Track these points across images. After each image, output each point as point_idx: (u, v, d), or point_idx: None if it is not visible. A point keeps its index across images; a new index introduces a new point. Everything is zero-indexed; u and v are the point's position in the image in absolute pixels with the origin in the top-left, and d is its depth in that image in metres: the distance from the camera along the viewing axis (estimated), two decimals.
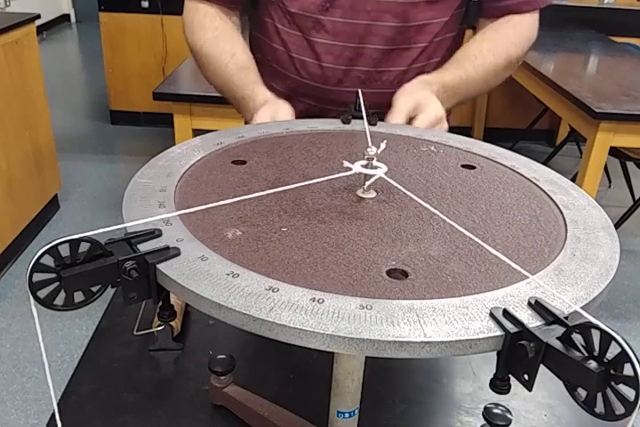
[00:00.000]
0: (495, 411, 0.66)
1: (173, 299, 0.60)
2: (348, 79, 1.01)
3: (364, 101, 0.82)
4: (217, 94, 1.08)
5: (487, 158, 0.73)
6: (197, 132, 1.68)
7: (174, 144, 0.73)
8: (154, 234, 0.50)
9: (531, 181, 0.67)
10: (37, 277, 0.44)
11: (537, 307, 0.43)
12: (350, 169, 0.59)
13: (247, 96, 0.95)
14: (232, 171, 0.66)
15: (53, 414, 0.70)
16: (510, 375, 0.43)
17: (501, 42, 1.01)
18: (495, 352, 0.42)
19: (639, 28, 3.61)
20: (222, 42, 1.00)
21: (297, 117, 1.06)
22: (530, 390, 0.40)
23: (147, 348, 0.84)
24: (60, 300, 0.45)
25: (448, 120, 0.89)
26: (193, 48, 1.03)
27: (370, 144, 0.61)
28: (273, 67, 1.06)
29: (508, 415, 0.66)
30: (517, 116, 3.87)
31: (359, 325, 0.41)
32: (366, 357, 0.58)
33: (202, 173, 0.65)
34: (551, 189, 0.65)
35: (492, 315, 0.43)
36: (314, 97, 1.04)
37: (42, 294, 0.44)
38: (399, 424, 0.74)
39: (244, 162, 0.68)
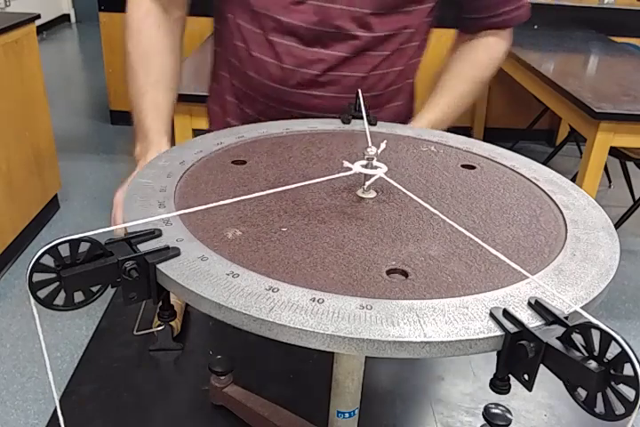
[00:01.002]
0: (495, 411, 0.66)
1: (173, 299, 0.60)
2: (308, 82, 1.00)
3: (362, 103, 0.82)
4: None
5: (487, 158, 0.73)
6: (197, 132, 1.68)
7: (174, 144, 0.73)
8: (154, 234, 0.50)
9: (531, 181, 0.67)
10: (37, 277, 0.44)
11: (537, 307, 0.43)
12: (350, 169, 0.59)
13: (146, 136, 0.98)
14: (232, 171, 0.66)
15: (54, 415, 0.71)
16: (510, 375, 0.42)
17: (476, 68, 1.08)
18: (495, 352, 0.42)
19: (639, 28, 3.61)
20: (153, 59, 0.99)
21: (252, 119, 1.05)
22: (530, 390, 0.40)
23: (147, 348, 0.84)
24: (60, 300, 0.45)
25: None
26: (125, 49, 1.01)
27: (370, 144, 0.62)
28: (232, 62, 1.04)
29: (508, 415, 0.66)
30: (517, 116, 3.87)
31: (359, 325, 0.41)
32: (366, 357, 0.58)
33: (202, 173, 0.65)
34: (551, 189, 0.65)
35: (492, 315, 0.43)
36: (272, 98, 1.02)
37: (42, 294, 0.44)
38: (399, 424, 0.74)
39: (244, 162, 0.68)
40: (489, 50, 1.07)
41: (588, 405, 0.39)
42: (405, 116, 1.07)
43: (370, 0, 0.94)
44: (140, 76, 0.99)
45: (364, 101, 0.82)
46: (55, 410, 0.61)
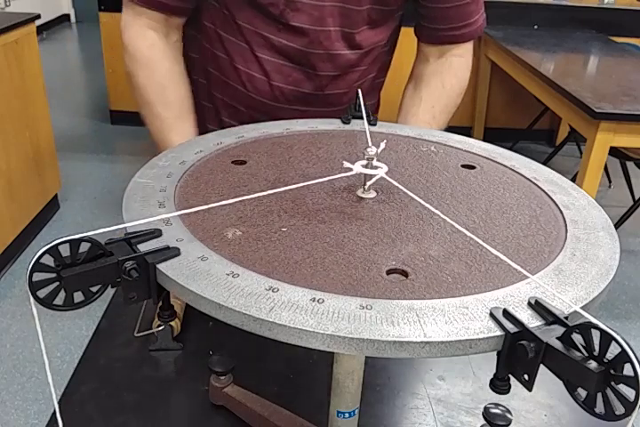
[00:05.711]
0: (495, 411, 0.66)
1: (173, 299, 0.60)
2: (295, 99, 1.01)
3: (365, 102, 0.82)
4: None
5: (487, 158, 0.73)
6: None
7: None
8: (154, 234, 0.50)
9: (531, 181, 0.67)
10: (37, 276, 0.44)
11: (537, 307, 0.43)
12: (350, 169, 0.59)
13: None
14: (232, 171, 0.66)
15: (54, 414, 0.71)
16: (510, 375, 0.43)
17: (449, 97, 1.07)
18: (495, 352, 0.42)
19: (639, 28, 3.61)
20: (170, 91, 0.97)
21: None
22: (530, 390, 0.40)
23: (147, 348, 0.84)
24: (59, 300, 0.45)
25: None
26: (135, 83, 0.97)
27: (370, 144, 0.62)
28: (211, 72, 1.02)
29: (508, 415, 0.66)
30: (517, 116, 3.87)
31: (359, 325, 0.41)
32: (366, 357, 0.58)
33: (202, 173, 0.65)
34: (551, 189, 0.65)
35: (492, 315, 0.43)
36: (260, 111, 1.02)
37: (42, 293, 0.44)
38: (399, 424, 0.74)
39: (244, 162, 0.68)
40: (457, 74, 1.07)
41: (588, 405, 0.39)
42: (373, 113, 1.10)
43: (357, 19, 0.95)
44: (160, 110, 0.97)
45: (363, 101, 0.82)
46: (55, 410, 0.61)
